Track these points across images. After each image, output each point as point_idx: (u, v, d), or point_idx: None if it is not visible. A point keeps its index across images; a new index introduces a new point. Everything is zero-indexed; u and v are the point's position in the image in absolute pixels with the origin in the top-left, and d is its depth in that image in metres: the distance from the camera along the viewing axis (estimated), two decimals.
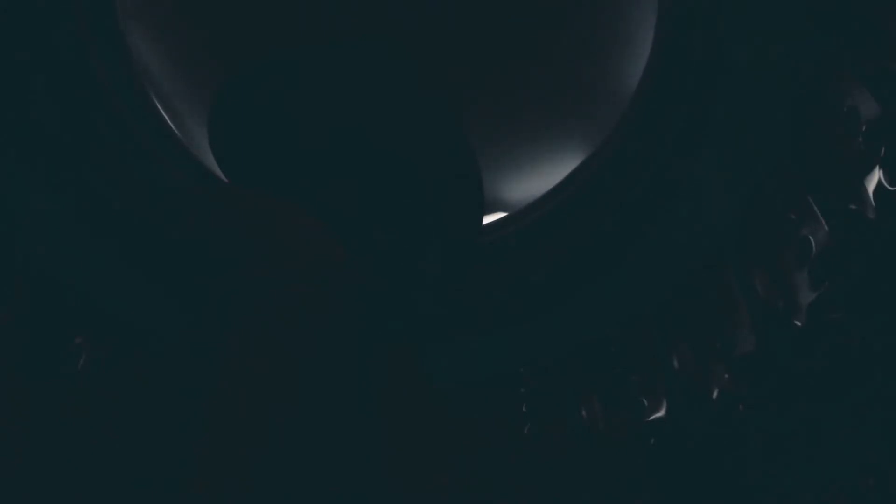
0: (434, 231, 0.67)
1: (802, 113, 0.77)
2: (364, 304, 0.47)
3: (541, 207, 1.14)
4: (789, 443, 0.73)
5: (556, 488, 0.65)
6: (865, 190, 0.65)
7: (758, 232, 0.83)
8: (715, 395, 0.82)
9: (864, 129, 0.66)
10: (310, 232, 0.46)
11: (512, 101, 0.97)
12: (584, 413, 0.96)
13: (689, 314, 0.91)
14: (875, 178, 0.64)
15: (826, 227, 0.71)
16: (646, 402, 0.90)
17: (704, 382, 0.84)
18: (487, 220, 1.17)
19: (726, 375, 0.80)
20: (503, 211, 1.17)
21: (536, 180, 1.02)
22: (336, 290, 0.43)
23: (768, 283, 0.79)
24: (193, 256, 0.50)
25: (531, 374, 1.03)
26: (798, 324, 0.72)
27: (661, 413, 0.89)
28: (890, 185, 0.63)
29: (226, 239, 0.46)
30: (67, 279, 0.73)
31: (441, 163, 0.66)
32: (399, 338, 0.51)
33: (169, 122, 1.21)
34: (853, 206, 0.67)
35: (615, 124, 1.09)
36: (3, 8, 0.67)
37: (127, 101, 0.99)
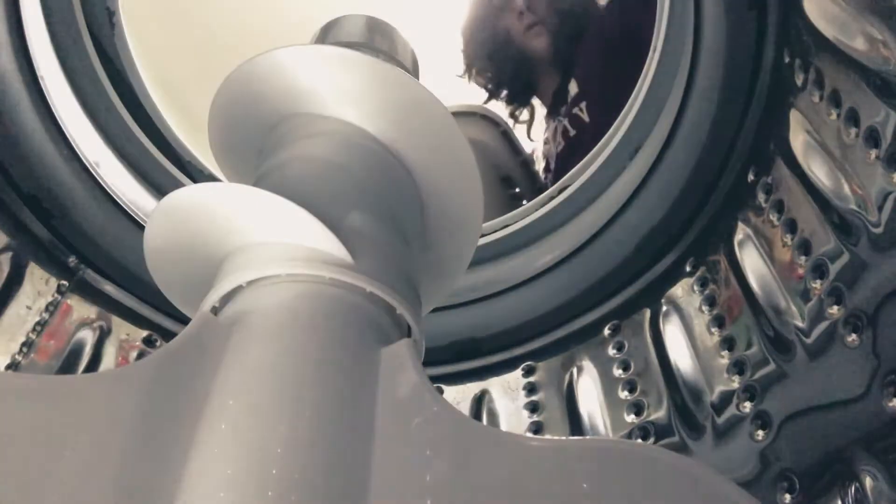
0: None
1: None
2: None
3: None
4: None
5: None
6: (869, 194, 0.65)
7: (759, 231, 0.83)
8: (716, 395, 0.82)
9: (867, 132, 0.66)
10: None
11: None
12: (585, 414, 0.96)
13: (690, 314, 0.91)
14: (878, 182, 0.64)
15: (830, 231, 0.71)
16: (646, 403, 0.90)
17: (706, 382, 0.84)
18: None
19: (731, 375, 0.80)
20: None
21: None
22: None
23: (771, 285, 0.79)
24: None
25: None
26: (802, 325, 0.72)
27: (661, 413, 0.89)
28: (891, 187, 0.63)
29: None
30: None
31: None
32: None
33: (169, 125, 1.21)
34: (856, 209, 0.67)
35: None
36: None
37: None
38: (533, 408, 1.00)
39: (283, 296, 0.49)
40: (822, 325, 0.70)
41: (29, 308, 0.96)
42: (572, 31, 1.71)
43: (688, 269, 0.93)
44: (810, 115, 0.75)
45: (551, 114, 1.75)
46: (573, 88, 1.68)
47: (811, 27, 0.74)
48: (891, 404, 0.60)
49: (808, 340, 0.71)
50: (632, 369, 0.94)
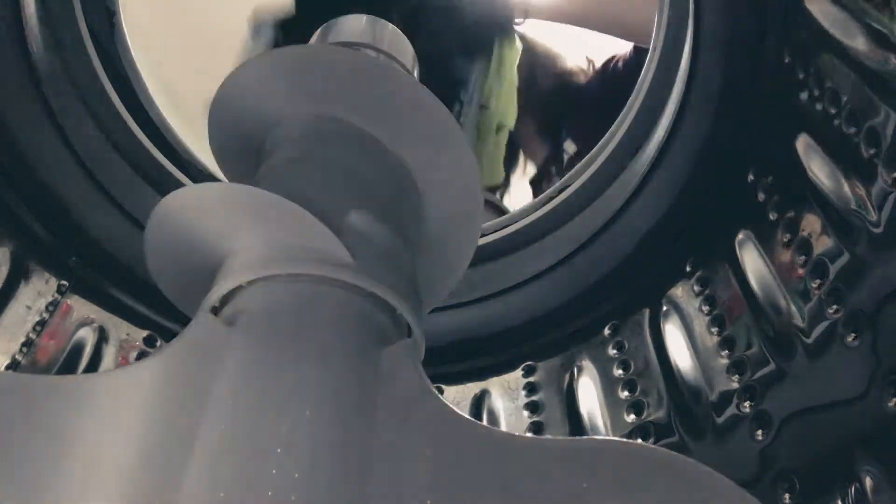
0: None
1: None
2: None
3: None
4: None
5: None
6: (869, 194, 0.65)
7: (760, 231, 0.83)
8: (715, 395, 0.82)
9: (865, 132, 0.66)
10: None
11: None
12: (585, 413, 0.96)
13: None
14: (878, 182, 0.64)
15: (830, 231, 0.71)
16: (646, 402, 0.90)
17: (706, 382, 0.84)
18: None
19: (731, 375, 0.80)
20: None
21: None
22: None
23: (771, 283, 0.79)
24: None
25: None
26: (802, 325, 0.72)
27: (661, 413, 0.89)
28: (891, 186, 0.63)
29: None
30: None
31: None
32: None
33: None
34: (856, 209, 0.67)
35: None
36: None
37: None
38: (533, 408, 1.00)
39: (283, 296, 0.49)
40: (822, 325, 0.70)
41: (29, 308, 0.96)
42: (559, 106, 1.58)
43: (688, 269, 0.93)
44: (810, 114, 0.75)
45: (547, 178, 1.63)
46: (570, 147, 1.59)
47: (811, 27, 0.74)
48: (891, 404, 0.60)
49: (808, 340, 0.71)
50: (632, 369, 0.94)
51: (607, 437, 0.90)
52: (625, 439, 0.87)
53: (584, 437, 0.90)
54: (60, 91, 1.04)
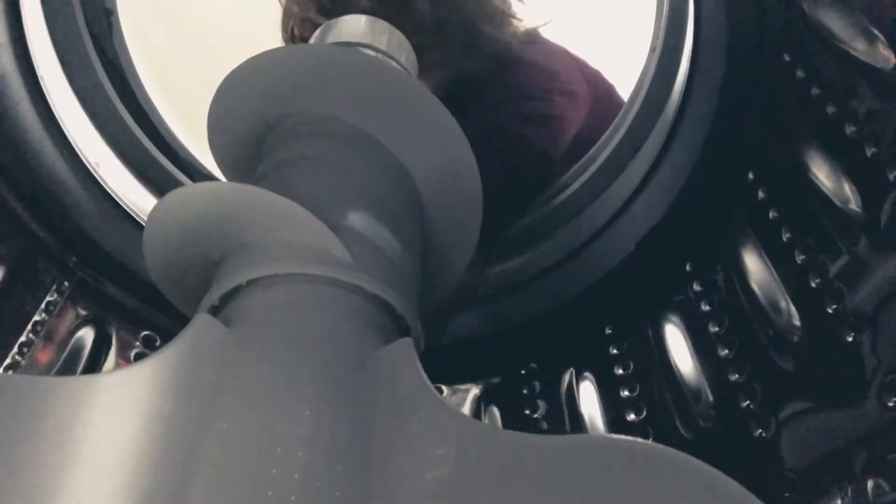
0: None
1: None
2: None
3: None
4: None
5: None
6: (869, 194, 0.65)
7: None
8: (716, 394, 0.82)
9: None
10: None
11: None
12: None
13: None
14: (878, 182, 0.64)
15: (830, 231, 0.71)
16: (646, 402, 0.90)
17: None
18: None
19: (731, 374, 0.80)
20: None
21: None
22: None
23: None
24: None
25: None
26: (801, 325, 0.72)
27: (661, 412, 0.88)
28: None
29: None
30: None
31: None
32: None
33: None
34: (856, 209, 0.67)
35: None
36: None
37: None
38: (533, 407, 1.00)
39: (282, 295, 0.49)
40: (822, 326, 0.70)
41: (29, 308, 0.96)
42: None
43: (688, 269, 0.93)
44: (811, 114, 0.75)
45: None
46: None
47: (811, 27, 0.74)
48: (890, 404, 0.60)
49: (809, 340, 0.71)
50: (632, 369, 0.94)
51: (609, 435, 0.90)
52: (627, 437, 0.87)
53: (587, 435, 0.90)
54: (60, 91, 1.04)
